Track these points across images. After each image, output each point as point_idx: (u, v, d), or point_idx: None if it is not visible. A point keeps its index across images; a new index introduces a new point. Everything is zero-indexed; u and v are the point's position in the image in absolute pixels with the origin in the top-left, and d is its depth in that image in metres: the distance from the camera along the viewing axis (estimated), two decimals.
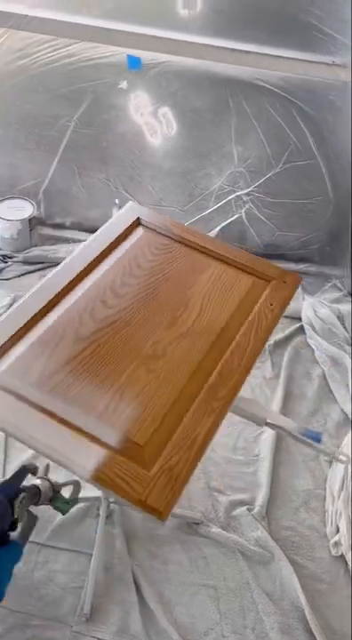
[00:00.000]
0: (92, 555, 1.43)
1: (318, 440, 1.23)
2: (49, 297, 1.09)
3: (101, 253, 1.18)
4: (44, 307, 1.07)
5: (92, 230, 2.35)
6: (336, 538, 1.52)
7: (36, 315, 1.05)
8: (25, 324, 1.04)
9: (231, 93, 1.95)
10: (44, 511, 1.49)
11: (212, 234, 2.28)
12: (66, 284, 1.11)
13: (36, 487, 1.09)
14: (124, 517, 1.53)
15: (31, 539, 1.44)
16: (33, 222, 2.16)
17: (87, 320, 1.06)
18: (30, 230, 2.16)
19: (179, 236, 1.24)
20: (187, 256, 1.21)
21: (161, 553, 1.48)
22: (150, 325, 1.06)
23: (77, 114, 2.03)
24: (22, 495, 1.01)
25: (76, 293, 1.11)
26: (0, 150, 2.15)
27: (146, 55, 1.86)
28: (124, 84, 1.95)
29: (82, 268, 1.14)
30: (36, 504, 1.08)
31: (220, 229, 2.27)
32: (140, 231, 1.26)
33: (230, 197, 2.20)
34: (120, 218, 1.28)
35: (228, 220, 2.24)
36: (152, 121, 2.03)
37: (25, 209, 2.16)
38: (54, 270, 1.15)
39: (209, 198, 2.21)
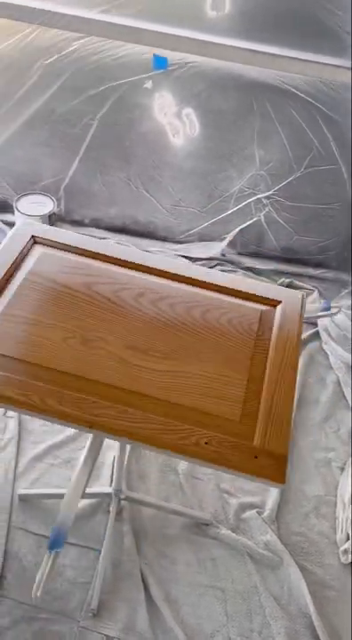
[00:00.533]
0: (100, 551, 1.44)
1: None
2: None
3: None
4: None
5: (111, 228, 2.38)
6: (346, 545, 1.51)
7: None
8: None
9: (255, 96, 1.95)
10: (54, 505, 1.51)
11: (231, 236, 2.28)
12: None
13: None
14: (133, 515, 1.53)
15: (41, 532, 1.47)
16: (53, 218, 2.18)
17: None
18: (50, 226, 2.17)
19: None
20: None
21: (169, 552, 1.48)
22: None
23: (101, 112, 2.04)
24: None
25: None
26: (24, 146, 2.17)
27: (172, 55, 1.87)
28: (149, 84, 1.96)
29: None
30: None
31: (239, 232, 2.27)
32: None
33: (250, 200, 2.20)
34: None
35: (247, 223, 2.24)
36: (175, 121, 2.04)
37: (45, 205, 2.18)
38: None
39: (229, 200, 2.21)
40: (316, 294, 2.24)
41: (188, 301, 1.12)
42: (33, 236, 1.20)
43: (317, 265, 2.33)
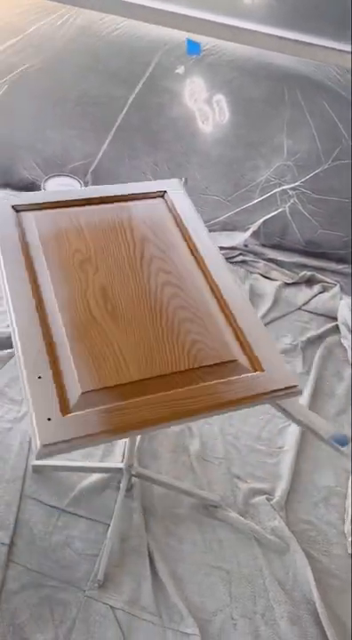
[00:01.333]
0: (109, 525, 1.46)
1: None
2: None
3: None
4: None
5: None
6: None
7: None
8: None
9: (287, 85, 1.94)
10: (66, 477, 1.54)
11: (254, 226, 2.28)
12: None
13: None
14: (143, 492, 1.55)
15: (52, 503, 1.49)
16: None
17: None
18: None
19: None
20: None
21: (177, 531, 1.50)
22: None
23: (132, 96, 2.06)
24: None
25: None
26: (55, 128, 2.19)
27: (205, 41, 1.87)
28: (180, 69, 1.97)
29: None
30: None
31: (263, 222, 2.26)
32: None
33: (276, 190, 2.19)
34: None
35: (271, 214, 2.24)
36: (205, 107, 2.04)
37: (73, 187, 2.20)
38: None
39: (254, 190, 2.21)
40: (337, 289, 2.22)
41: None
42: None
43: (340, 260, 2.31)
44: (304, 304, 2.17)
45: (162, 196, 1.28)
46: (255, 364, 0.98)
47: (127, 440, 1.44)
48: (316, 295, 2.20)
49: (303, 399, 1.85)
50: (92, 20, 1.90)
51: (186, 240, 1.18)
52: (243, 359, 0.99)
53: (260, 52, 1.90)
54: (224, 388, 0.93)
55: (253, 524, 1.53)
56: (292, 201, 2.20)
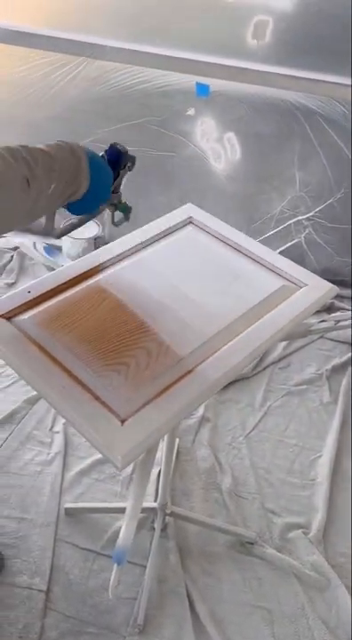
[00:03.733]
0: (145, 566, 1.44)
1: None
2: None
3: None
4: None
5: None
6: None
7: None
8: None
9: (295, 120, 1.99)
10: (99, 519, 1.53)
11: None
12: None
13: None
14: (178, 531, 1.53)
15: (87, 546, 1.48)
16: (98, 242, 2.24)
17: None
18: (95, 249, 2.23)
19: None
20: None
21: (214, 570, 1.47)
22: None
23: (145, 140, 2.11)
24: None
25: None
26: None
27: (214, 82, 1.93)
28: (191, 111, 2.02)
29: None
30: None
31: (279, 253, 2.28)
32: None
33: (290, 222, 2.22)
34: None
35: (288, 245, 2.26)
36: (217, 146, 2.09)
37: (91, 228, 2.24)
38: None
39: (269, 222, 2.24)
40: None
41: None
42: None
43: None
44: (326, 332, 2.16)
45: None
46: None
47: (161, 478, 1.43)
48: (337, 323, 2.19)
49: (332, 429, 1.83)
50: (103, 70, 1.98)
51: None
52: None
53: (266, 89, 1.95)
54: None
55: (292, 560, 1.50)
56: (307, 231, 2.22)
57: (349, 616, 1.39)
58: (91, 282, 1.11)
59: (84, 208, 1.00)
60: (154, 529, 1.49)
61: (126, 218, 1.10)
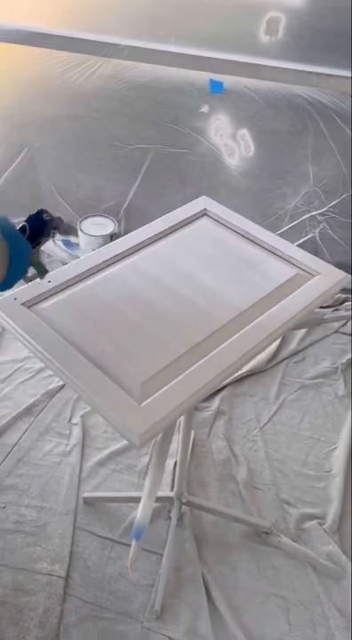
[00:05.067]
0: (162, 554, 1.46)
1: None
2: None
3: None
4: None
5: None
6: None
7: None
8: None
9: (308, 115, 2.00)
10: (117, 508, 1.55)
11: None
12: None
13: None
14: (194, 520, 1.55)
15: (105, 535, 1.50)
16: (114, 238, 2.27)
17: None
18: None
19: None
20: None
21: (230, 559, 1.49)
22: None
23: (160, 137, 2.14)
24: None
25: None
26: (87, 171, 2.29)
27: (228, 79, 1.95)
28: (205, 108, 2.05)
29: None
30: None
31: None
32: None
33: (305, 217, 2.23)
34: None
35: (302, 240, 2.27)
36: (231, 142, 2.11)
37: (106, 226, 2.28)
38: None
39: (283, 218, 2.25)
40: None
41: None
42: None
43: None
44: (341, 326, 2.17)
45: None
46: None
47: (177, 468, 1.45)
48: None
49: (347, 422, 1.84)
50: (118, 68, 2.01)
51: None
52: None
53: (279, 85, 1.97)
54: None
55: (307, 550, 1.51)
56: (321, 226, 2.23)
57: None
58: (107, 272, 1.14)
59: (2, 287, 0.95)
60: (170, 518, 1.52)
61: (40, 277, 1.03)
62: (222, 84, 1.96)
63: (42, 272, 1.02)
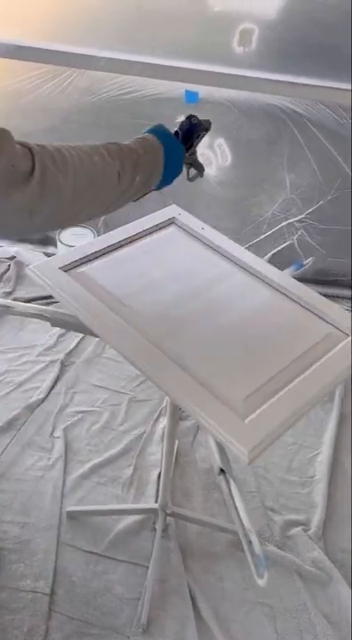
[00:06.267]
0: (148, 567, 1.45)
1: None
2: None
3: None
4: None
5: None
6: None
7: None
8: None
9: (283, 124, 2.03)
10: (101, 522, 1.54)
11: (264, 259, 2.33)
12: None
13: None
14: (179, 531, 1.54)
15: (89, 549, 1.49)
16: None
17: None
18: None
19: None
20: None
21: (216, 569, 1.49)
22: None
23: None
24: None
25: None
26: None
27: (203, 89, 1.97)
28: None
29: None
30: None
31: (272, 255, 2.31)
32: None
33: (283, 224, 2.25)
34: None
35: (281, 246, 2.29)
36: (208, 152, 2.12)
37: (86, 236, 2.27)
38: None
39: (261, 225, 2.27)
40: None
41: None
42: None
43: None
44: None
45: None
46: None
47: (161, 479, 1.45)
48: None
49: (330, 427, 1.85)
50: (93, 80, 2.01)
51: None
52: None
53: (254, 95, 1.99)
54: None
55: (292, 557, 1.51)
56: (299, 233, 2.25)
57: (350, 611, 1.41)
58: None
59: (160, 186, 1.09)
60: (155, 530, 1.51)
61: (200, 175, 1.18)
62: (197, 93, 1.97)
63: (201, 169, 1.17)
